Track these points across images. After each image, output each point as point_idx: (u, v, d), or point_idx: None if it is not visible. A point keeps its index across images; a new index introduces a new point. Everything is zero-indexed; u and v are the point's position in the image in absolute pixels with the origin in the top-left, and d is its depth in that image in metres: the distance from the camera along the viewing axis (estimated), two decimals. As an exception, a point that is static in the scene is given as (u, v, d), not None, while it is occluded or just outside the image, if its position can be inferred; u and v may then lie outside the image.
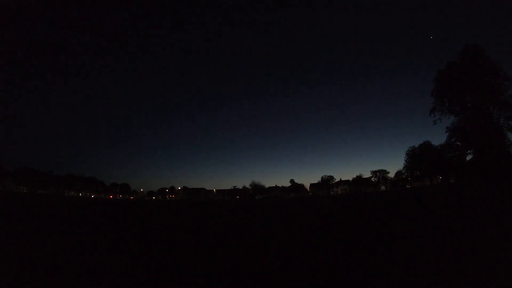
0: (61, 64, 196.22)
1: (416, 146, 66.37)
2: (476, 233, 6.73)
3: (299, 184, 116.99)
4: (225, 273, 4.54)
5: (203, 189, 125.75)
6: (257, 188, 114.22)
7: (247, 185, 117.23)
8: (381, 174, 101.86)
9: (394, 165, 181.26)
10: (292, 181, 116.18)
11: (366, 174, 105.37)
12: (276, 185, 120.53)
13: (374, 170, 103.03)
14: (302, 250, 6.10)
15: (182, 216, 17.78)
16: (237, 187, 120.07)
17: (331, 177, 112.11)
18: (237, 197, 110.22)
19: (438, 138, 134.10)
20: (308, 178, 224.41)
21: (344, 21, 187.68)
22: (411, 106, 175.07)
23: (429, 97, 51.24)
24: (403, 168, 76.69)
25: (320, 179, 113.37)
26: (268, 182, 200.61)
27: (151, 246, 6.93)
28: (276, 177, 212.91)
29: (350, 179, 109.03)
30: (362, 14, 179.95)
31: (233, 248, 6.55)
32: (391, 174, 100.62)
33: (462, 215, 10.31)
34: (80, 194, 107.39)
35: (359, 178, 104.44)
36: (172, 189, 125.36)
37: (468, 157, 49.40)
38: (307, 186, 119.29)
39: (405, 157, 68.74)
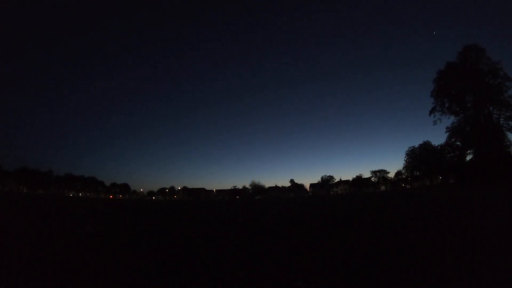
0: (61, 64, 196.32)
1: (416, 146, 66.51)
2: (476, 233, 6.73)
3: (299, 184, 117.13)
4: (225, 272, 4.54)
5: (203, 189, 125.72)
6: (257, 188, 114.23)
7: (247, 185, 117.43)
8: (381, 174, 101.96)
9: (394, 165, 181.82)
10: (292, 181, 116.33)
11: (366, 174, 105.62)
12: (276, 185, 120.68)
13: (374, 170, 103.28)
14: (302, 249, 6.11)
15: (182, 216, 17.77)
16: (237, 187, 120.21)
17: (331, 177, 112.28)
18: (237, 197, 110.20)
19: (438, 138, 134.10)
20: (308, 178, 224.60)
21: (345, 22, 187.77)
22: (411, 106, 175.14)
23: (429, 97, 51.30)
24: (403, 168, 76.84)
25: (320, 179, 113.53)
26: (268, 182, 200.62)
27: (151, 245, 6.93)
28: (276, 177, 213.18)
29: (350, 179, 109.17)
30: (362, 14, 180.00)
31: (233, 247, 6.55)
32: (391, 174, 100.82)
33: (462, 215, 10.31)
34: (80, 194, 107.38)
35: (359, 178, 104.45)
36: (172, 189, 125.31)
37: (468, 157, 49.44)
38: (307, 186, 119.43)
39: (405, 157, 68.92)
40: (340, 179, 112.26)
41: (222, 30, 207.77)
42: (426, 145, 62.99)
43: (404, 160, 69.34)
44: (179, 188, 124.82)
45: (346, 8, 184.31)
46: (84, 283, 4.10)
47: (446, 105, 49.45)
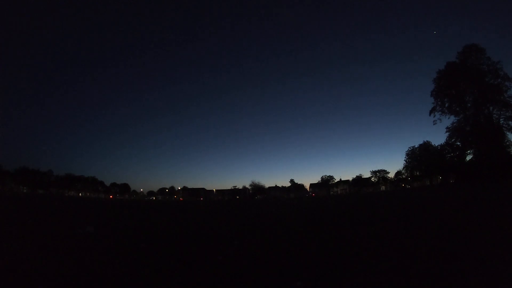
0: (61, 64, 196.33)
1: (416, 146, 66.51)
2: (476, 233, 6.74)
3: (299, 184, 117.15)
4: (226, 272, 4.55)
5: (203, 189, 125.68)
6: (257, 188, 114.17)
7: (247, 185, 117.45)
8: (381, 174, 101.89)
9: (394, 165, 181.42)
10: (292, 181, 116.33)
11: (366, 174, 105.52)
12: (276, 185, 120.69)
13: (374, 170, 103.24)
14: (302, 249, 6.12)
15: (182, 216, 17.78)
16: (237, 187, 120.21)
17: (331, 177, 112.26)
18: (237, 197, 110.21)
19: (438, 138, 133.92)
20: (308, 178, 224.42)
21: (345, 22, 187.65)
22: (411, 106, 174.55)
23: (429, 97, 51.36)
24: (403, 168, 76.86)
25: (320, 179, 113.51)
26: (268, 182, 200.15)
27: (151, 245, 6.94)
28: (276, 177, 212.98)
29: (350, 179, 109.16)
30: (361, 15, 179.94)
31: (233, 247, 6.57)
32: (391, 174, 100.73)
33: (462, 215, 10.32)
34: (80, 194, 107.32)
35: (359, 178, 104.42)
36: (172, 189, 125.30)
37: (468, 157, 49.50)
38: (307, 186, 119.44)
39: (405, 157, 68.94)
40: (340, 179, 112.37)
41: (220, 26, 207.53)
42: (426, 145, 62.99)
43: (404, 160, 69.41)
44: (179, 188, 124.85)
45: (346, 9, 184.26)
46: (85, 282, 4.12)
47: (446, 105, 49.51)
